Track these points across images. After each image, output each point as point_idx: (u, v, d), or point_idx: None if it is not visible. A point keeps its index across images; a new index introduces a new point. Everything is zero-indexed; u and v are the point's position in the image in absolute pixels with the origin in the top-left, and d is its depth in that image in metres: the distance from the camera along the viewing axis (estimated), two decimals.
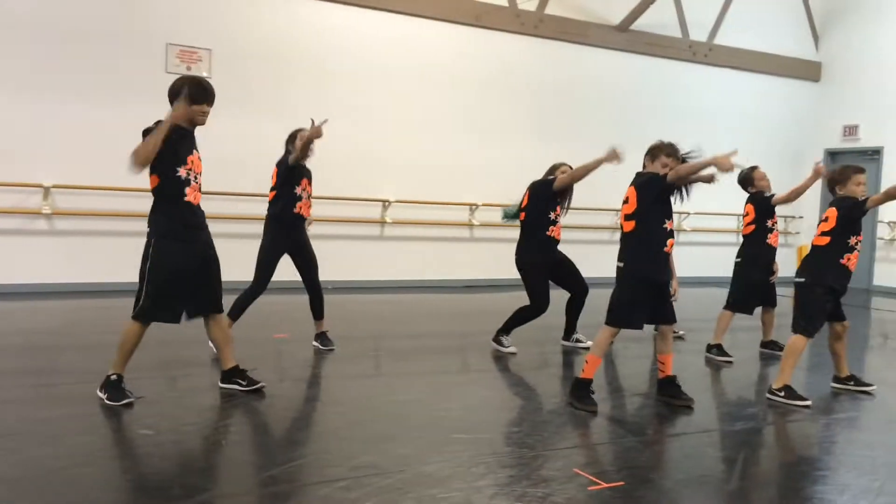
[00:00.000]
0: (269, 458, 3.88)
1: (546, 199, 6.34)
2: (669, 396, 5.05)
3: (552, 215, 6.37)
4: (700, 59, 13.01)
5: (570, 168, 6.38)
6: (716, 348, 6.62)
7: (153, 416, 4.27)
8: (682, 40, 12.81)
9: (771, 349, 6.88)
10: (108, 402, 4.43)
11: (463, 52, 10.98)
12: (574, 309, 6.77)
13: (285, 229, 6.00)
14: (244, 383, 4.83)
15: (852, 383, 5.63)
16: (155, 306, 4.48)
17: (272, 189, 6.03)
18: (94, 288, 8.70)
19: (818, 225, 5.44)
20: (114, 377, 4.52)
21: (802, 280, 5.38)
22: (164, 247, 4.45)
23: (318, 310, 6.23)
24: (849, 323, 5.58)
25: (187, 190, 4.49)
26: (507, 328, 6.51)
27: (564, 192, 6.39)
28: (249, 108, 9.33)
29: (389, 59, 10.44)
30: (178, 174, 4.45)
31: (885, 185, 12.98)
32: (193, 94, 4.52)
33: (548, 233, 6.36)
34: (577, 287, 6.64)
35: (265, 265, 5.97)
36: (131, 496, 3.29)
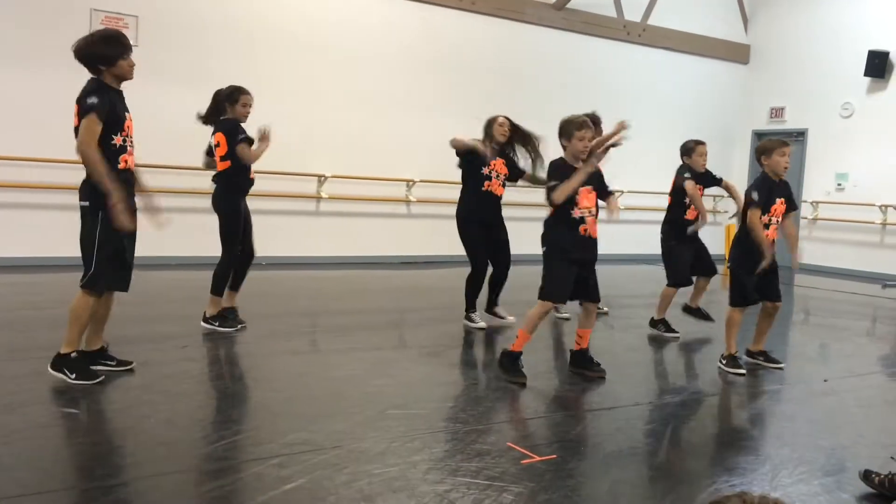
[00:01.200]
0: (200, 436, 3.81)
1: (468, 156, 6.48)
2: (583, 368, 5.16)
3: (485, 170, 6.39)
4: (634, 39, 13.17)
5: (507, 119, 6.51)
6: (661, 324, 6.76)
7: (78, 396, 4.14)
8: (616, 20, 12.93)
9: (693, 315, 7.00)
10: (76, 381, 4.28)
11: (398, 28, 10.87)
12: (494, 282, 6.75)
13: (243, 195, 5.96)
14: (112, 364, 4.67)
15: (762, 358, 5.78)
16: (108, 276, 4.32)
17: (225, 158, 5.87)
18: (14, 262, 8.38)
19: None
20: (73, 355, 4.36)
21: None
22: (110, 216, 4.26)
23: (241, 280, 6.13)
24: (780, 304, 5.70)
25: (122, 157, 4.32)
26: (469, 304, 6.53)
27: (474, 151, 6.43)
28: (176, 76, 9.06)
29: (323, 32, 10.27)
30: (114, 142, 4.27)
31: (809, 166, 13.47)
32: (114, 50, 4.36)
33: (483, 188, 6.40)
34: (500, 261, 6.66)
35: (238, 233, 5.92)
36: (54, 476, 3.18)
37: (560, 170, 4.92)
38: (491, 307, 6.79)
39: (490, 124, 6.52)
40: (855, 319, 8.59)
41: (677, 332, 6.67)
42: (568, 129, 4.91)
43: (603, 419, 4.44)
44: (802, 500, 3.25)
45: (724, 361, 5.55)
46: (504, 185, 6.52)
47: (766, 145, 5.52)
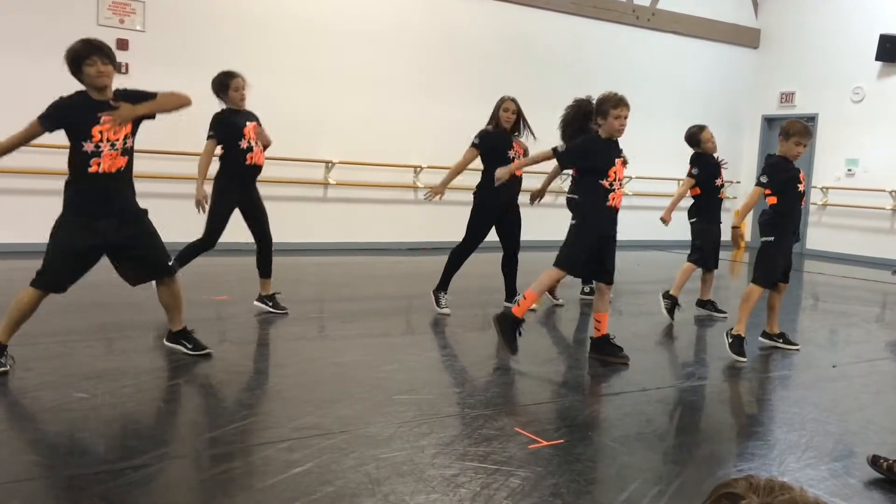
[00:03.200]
0: (209, 420, 3.83)
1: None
2: (605, 355, 5.14)
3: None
4: (643, 24, 13.08)
5: (513, 103, 6.52)
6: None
7: (89, 380, 4.17)
8: (626, 4, 12.84)
9: (706, 308, 7.03)
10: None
11: (406, 12, 10.82)
12: (505, 270, 6.75)
13: (236, 184, 5.91)
14: (190, 346, 4.74)
15: (781, 340, 5.81)
16: (46, 275, 4.28)
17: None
18: (23, 248, 8.41)
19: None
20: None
21: (772, 238, 5.53)
22: (61, 220, 4.31)
23: (265, 267, 6.15)
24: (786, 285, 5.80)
25: (92, 161, 4.23)
26: (442, 282, 6.54)
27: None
28: (183, 62, 9.05)
29: (331, 17, 10.23)
30: (84, 148, 4.21)
31: (819, 151, 13.38)
32: (72, 59, 4.25)
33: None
34: (508, 245, 6.66)
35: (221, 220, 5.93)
36: (66, 459, 3.21)
37: (587, 144, 4.99)
38: (510, 298, 6.79)
39: (497, 107, 6.50)
40: (864, 305, 8.55)
41: (725, 311, 6.92)
42: (604, 107, 4.94)
43: (610, 404, 4.45)
44: (810, 485, 3.25)
45: (730, 339, 5.48)
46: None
47: (796, 128, 5.45)
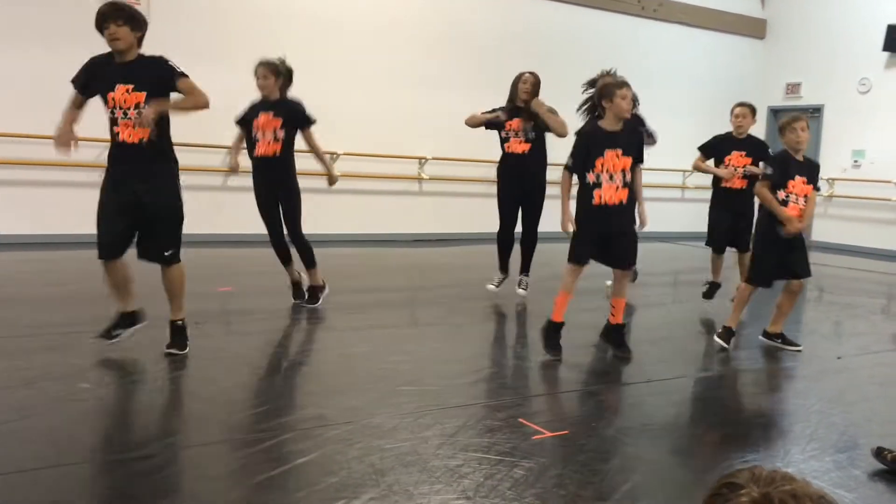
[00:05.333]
0: (214, 411, 3.84)
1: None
2: (609, 343, 5.14)
3: (502, 133, 6.69)
4: (649, 15, 13.02)
5: (532, 76, 6.81)
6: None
7: (95, 370, 4.19)
8: None
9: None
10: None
11: (412, 4, 10.79)
12: (522, 250, 6.86)
13: (253, 173, 6.01)
14: (168, 343, 4.63)
15: (779, 340, 5.58)
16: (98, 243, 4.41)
17: None
18: (29, 240, 8.44)
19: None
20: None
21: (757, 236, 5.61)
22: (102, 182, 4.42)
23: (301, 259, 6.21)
24: (803, 283, 5.56)
25: (115, 129, 4.30)
26: (499, 263, 6.73)
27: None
28: (188, 51, 8.96)
29: (335, 8, 10.21)
30: (107, 113, 4.30)
31: (825, 143, 13.31)
32: (96, 25, 4.29)
33: (505, 150, 6.69)
34: (524, 229, 6.74)
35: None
36: (71, 450, 3.22)
37: (583, 137, 4.94)
38: (520, 274, 6.83)
39: (515, 82, 6.65)
40: (870, 297, 8.53)
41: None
42: (609, 90, 4.92)
43: (615, 396, 4.45)
44: (814, 477, 3.25)
45: (719, 330, 5.53)
46: (529, 140, 6.57)
47: (782, 122, 5.45)
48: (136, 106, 4.23)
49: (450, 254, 10.03)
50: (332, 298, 6.73)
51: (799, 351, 5.53)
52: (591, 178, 4.81)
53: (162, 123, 4.31)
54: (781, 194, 5.25)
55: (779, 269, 5.39)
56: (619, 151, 4.83)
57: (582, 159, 4.86)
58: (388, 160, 10.76)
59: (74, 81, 4.35)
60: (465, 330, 5.89)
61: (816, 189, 5.41)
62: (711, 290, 6.96)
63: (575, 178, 4.93)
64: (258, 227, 6.20)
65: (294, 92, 9.70)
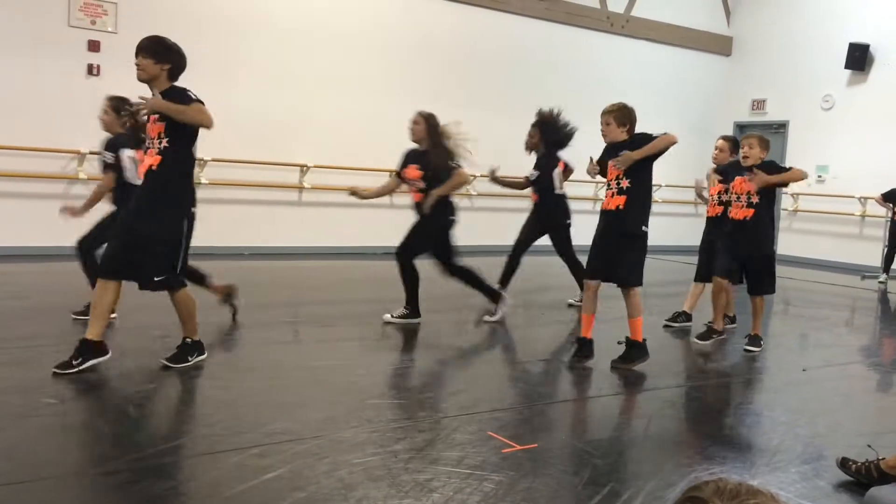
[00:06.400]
0: (180, 425, 3.79)
1: None
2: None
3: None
4: (617, 31, 13.18)
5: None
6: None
7: (57, 385, 4.11)
8: (600, 11, 12.93)
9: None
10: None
11: (382, 16, 10.81)
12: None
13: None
14: (168, 356, 4.62)
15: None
16: None
17: None
18: (13, 252, 8.30)
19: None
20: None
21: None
22: None
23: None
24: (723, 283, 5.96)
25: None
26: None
27: None
28: None
29: (305, 19, 10.19)
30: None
31: (790, 158, 13.55)
32: None
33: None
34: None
35: None
36: (30, 466, 3.15)
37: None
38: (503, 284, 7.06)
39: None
40: (834, 310, 8.67)
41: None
42: (633, 116, 5.21)
43: (584, 409, 4.46)
44: (780, 488, 3.28)
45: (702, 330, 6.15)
46: (422, 190, 6.19)
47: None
48: (159, 136, 4.34)
49: (419, 267, 10.00)
50: (300, 311, 6.68)
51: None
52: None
53: (173, 153, 4.37)
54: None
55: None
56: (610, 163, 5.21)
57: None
58: (358, 173, 10.73)
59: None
60: (433, 343, 5.87)
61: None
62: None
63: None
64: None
65: (266, 103, 9.73)
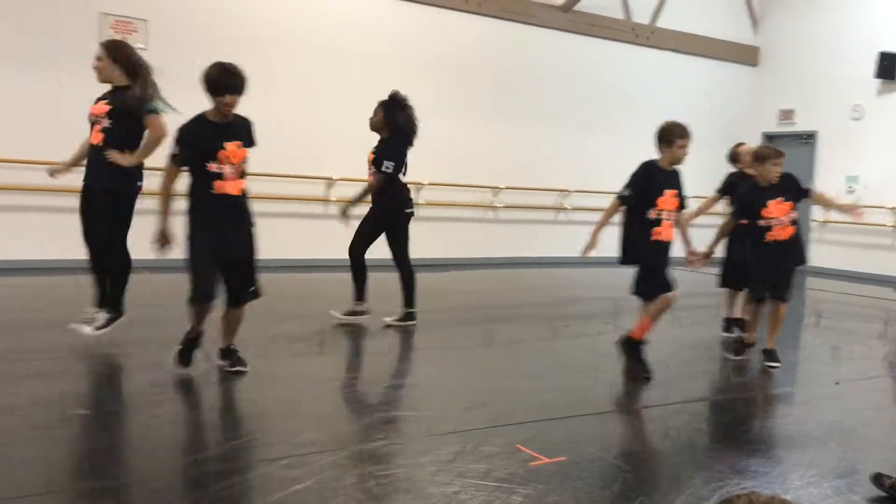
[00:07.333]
0: (209, 436, 3.81)
1: None
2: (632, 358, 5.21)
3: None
4: (642, 42, 13.13)
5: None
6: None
7: (89, 396, 4.15)
8: (624, 22, 12.90)
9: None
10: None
11: (406, 30, 10.87)
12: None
13: None
14: (229, 363, 4.73)
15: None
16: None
17: None
18: (8, 265, 8.40)
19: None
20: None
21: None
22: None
23: None
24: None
25: (215, 183, 4.50)
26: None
27: None
28: (187, 83, 9.05)
29: (332, 36, 10.28)
30: (207, 169, 4.50)
31: (820, 169, 13.41)
32: (212, 84, 4.70)
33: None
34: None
35: None
36: (55, 477, 3.19)
37: (648, 169, 5.07)
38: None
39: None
40: (866, 322, 8.53)
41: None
42: (670, 136, 5.10)
43: (613, 421, 4.42)
44: (813, 503, 3.22)
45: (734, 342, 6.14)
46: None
47: (763, 153, 5.79)
48: (242, 161, 4.68)
49: (446, 279, 10.02)
50: (325, 323, 6.69)
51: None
52: (652, 214, 5.02)
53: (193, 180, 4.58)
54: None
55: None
56: (673, 192, 5.09)
57: (640, 190, 5.06)
58: None
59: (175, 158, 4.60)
60: (459, 355, 5.86)
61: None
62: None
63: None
64: None
65: (294, 117, 9.81)
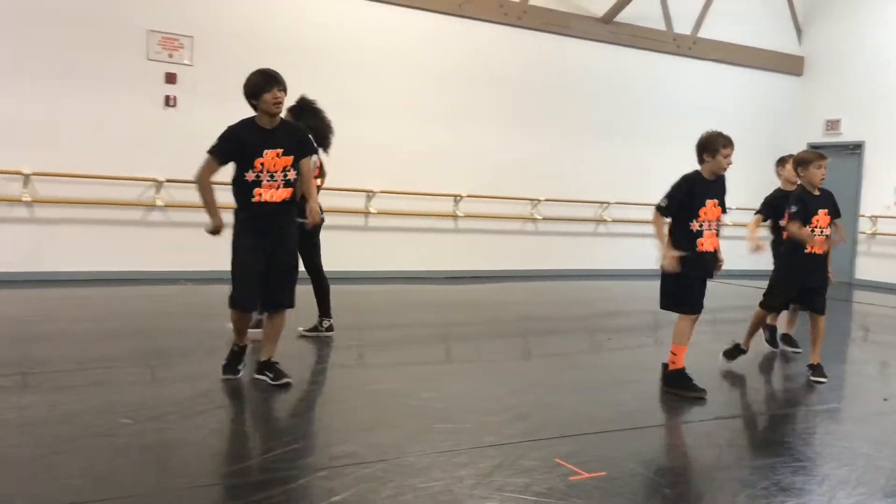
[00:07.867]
0: (247, 448, 3.85)
1: None
2: (678, 388, 5.11)
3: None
4: (684, 52, 13.02)
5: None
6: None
7: (132, 406, 4.22)
8: (666, 33, 12.81)
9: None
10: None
11: (446, 43, 10.92)
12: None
13: None
14: (272, 376, 4.79)
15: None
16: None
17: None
18: (72, 276, 8.60)
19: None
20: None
21: None
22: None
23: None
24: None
25: (255, 191, 4.54)
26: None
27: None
28: (232, 97, 9.21)
29: (374, 48, 10.38)
30: (246, 178, 4.54)
31: (866, 180, 13.12)
32: (252, 88, 4.67)
33: None
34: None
35: None
36: (107, 485, 3.24)
37: (689, 183, 5.03)
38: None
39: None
40: None
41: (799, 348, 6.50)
42: (714, 146, 5.04)
43: (653, 436, 4.36)
44: None
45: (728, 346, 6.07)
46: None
47: (805, 157, 5.68)
48: (284, 170, 4.62)
49: (482, 291, 10.00)
50: (364, 335, 6.73)
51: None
52: (694, 225, 4.98)
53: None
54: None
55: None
56: (714, 202, 5.04)
57: (681, 200, 5.01)
58: (423, 198, 10.82)
59: (216, 152, 4.65)
60: (498, 367, 5.84)
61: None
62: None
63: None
64: None
65: (335, 131, 9.88)
